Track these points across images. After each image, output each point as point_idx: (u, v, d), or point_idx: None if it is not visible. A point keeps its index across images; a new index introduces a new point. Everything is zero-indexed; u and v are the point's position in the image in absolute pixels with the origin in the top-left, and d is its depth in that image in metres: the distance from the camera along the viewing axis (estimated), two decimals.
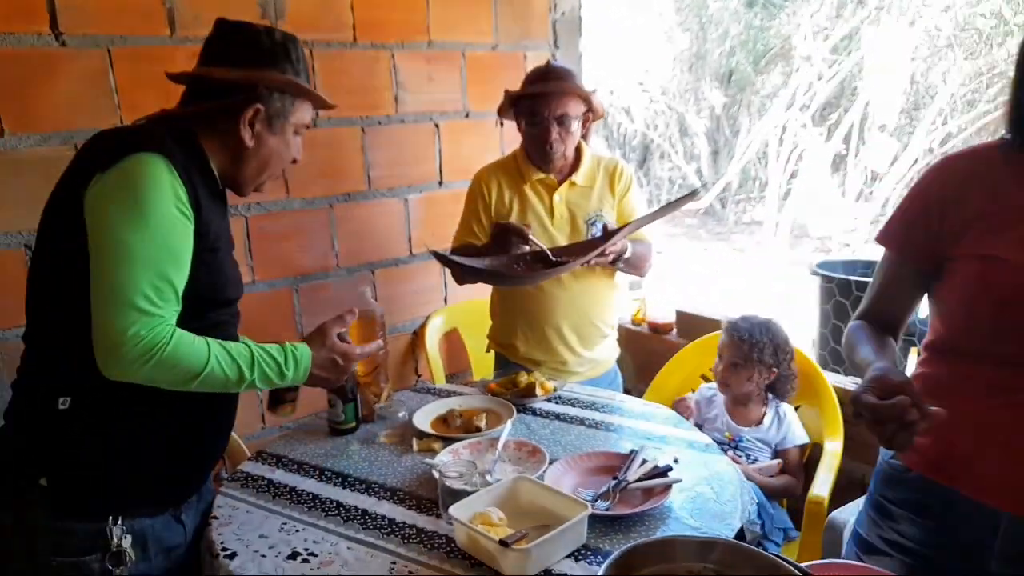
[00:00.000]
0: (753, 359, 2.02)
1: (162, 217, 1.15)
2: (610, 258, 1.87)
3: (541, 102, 1.91)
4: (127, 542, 1.25)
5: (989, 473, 1.15)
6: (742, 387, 2.05)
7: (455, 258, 1.87)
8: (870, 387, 1.03)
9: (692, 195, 2.10)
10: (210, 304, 1.30)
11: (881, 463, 1.33)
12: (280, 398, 1.49)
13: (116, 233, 1.13)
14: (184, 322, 1.21)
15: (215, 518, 1.34)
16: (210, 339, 1.23)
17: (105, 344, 1.13)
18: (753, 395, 2.08)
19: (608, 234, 1.83)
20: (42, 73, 1.78)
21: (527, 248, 1.88)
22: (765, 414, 2.08)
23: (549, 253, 1.86)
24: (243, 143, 1.30)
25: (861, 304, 1.33)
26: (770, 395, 2.10)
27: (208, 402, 1.31)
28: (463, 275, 1.94)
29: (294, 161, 1.40)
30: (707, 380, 2.34)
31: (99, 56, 1.85)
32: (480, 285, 2.15)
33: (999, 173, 1.15)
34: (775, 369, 2.05)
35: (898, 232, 1.26)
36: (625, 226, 1.84)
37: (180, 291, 1.20)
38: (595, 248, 1.82)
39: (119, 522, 1.24)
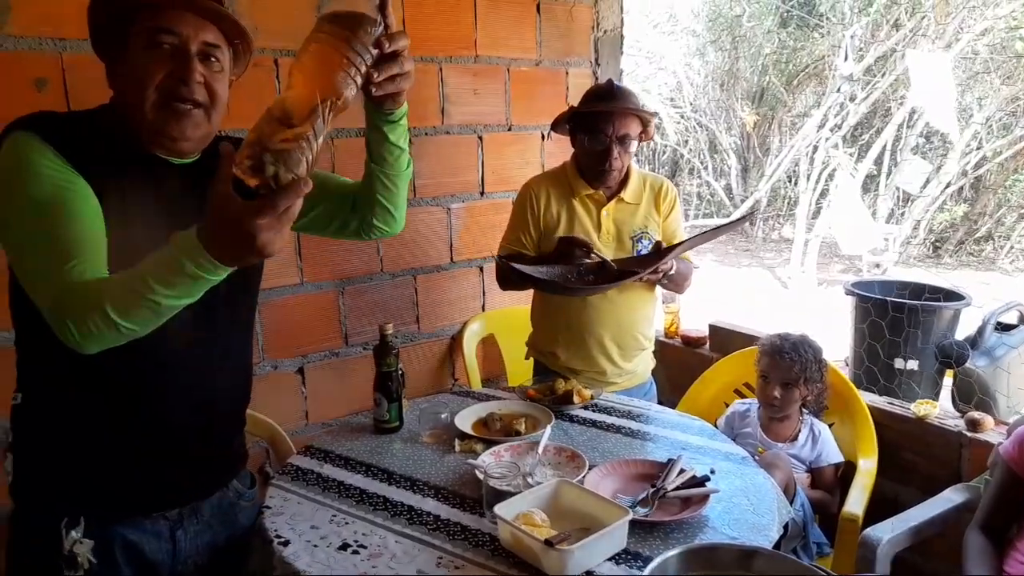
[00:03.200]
0: (803, 377, 2.04)
1: (33, 184, 1.07)
2: (660, 276, 1.91)
3: (604, 120, 1.92)
4: (85, 547, 1.19)
5: None
6: (793, 405, 2.07)
7: (519, 267, 1.88)
8: None
9: (746, 218, 2.15)
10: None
11: None
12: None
13: (5, 220, 1.10)
14: None
15: (267, 507, 1.40)
16: (117, 274, 1.06)
17: (56, 329, 1.05)
18: (792, 412, 2.10)
19: (661, 252, 1.86)
20: None
21: (586, 260, 1.92)
22: (799, 431, 2.09)
23: (612, 265, 1.90)
24: (111, 84, 1.20)
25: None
26: (805, 411, 2.12)
27: (159, 402, 1.25)
28: (514, 282, 2.00)
29: (183, 81, 1.13)
30: (741, 395, 2.37)
31: None
32: (518, 292, 2.21)
33: None
34: (819, 384, 2.07)
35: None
36: (679, 245, 1.86)
37: (85, 241, 1.08)
38: (647, 265, 1.86)
39: (78, 524, 1.19)
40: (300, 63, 1.00)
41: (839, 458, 2.09)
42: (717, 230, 2.02)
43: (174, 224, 1.11)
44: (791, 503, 1.84)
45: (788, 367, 2.05)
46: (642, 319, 2.11)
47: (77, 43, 1.81)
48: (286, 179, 0.90)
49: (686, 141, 10.49)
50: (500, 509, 1.25)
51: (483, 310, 2.66)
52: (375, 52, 1.04)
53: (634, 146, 1.97)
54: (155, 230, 1.13)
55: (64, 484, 1.22)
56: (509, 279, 2.06)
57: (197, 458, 1.33)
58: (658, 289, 2.20)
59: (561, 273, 1.93)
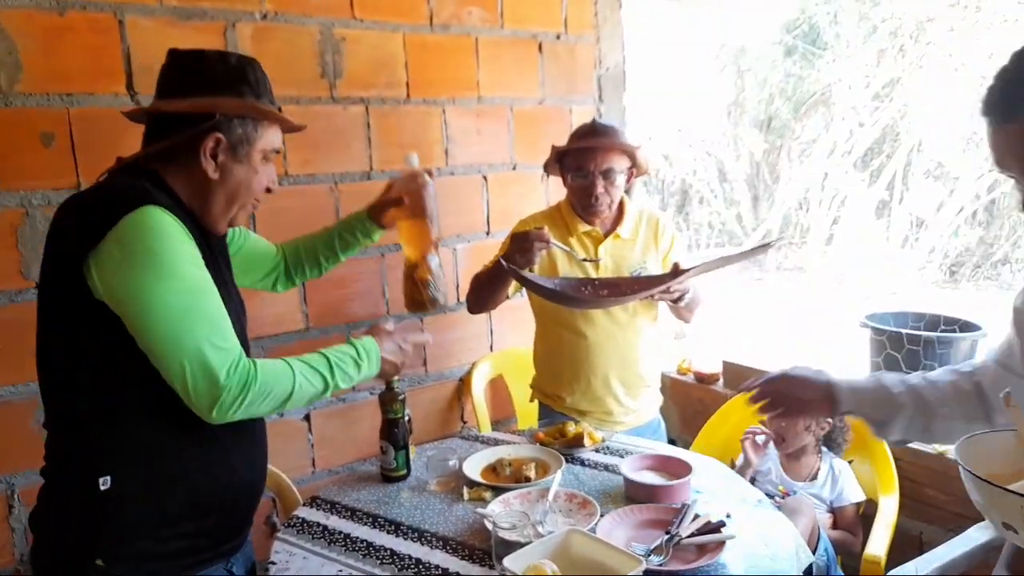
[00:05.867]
0: None
1: (182, 262, 1.14)
2: (675, 295, 1.88)
3: (587, 156, 1.96)
4: None
5: None
6: (799, 439, 2.02)
7: (527, 274, 1.87)
8: None
9: (766, 247, 2.15)
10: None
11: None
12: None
13: (152, 296, 1.11)
14: None
15: (273, 563, 1.37)
16: (287, 358, 1.23)
17: (205, 402, 1.13)
18: (808, 448, 2.05)
19: (678, 272, 1.85)
20: None
21: (545, 252, 1.90)
22: (819, 469, 2.04)
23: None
24: (207, 176, 1.23)
25: None
26: (824, 449, 2.06)
27: (235, 450, 1.29)
28: (484, 303, 2.03)
29: (268, 190, 1.32)
30: None
31: None
32: (524, 331, 2.18)
33: None
34: (829, 420, 2.02)
35: None
36: (696, 266, 1.85)
37: (227, 318, 1.19)
38: (661, 283, 1.84)
39: None
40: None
41: (860, 496, 2.03)
42: (736, 256, 2.01)
43: (224, 291, 1.25)
44: (814, 550, 1.79)
45: None
46: (646, 356, 2.08)
47: (84, 97, 1.84)
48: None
49: (695, 171, 10.50)
50: (510, 562, 1.22)
51: (491, 351, 2.63)
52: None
53: (621, 179, 1.99)
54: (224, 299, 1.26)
55: (162, 553, 1.22)
56: (480, 302, 2.05)
57: (246, 510, 1.37)
58: (664, 325, 2.17)
59: (575, 285, 1.92)
